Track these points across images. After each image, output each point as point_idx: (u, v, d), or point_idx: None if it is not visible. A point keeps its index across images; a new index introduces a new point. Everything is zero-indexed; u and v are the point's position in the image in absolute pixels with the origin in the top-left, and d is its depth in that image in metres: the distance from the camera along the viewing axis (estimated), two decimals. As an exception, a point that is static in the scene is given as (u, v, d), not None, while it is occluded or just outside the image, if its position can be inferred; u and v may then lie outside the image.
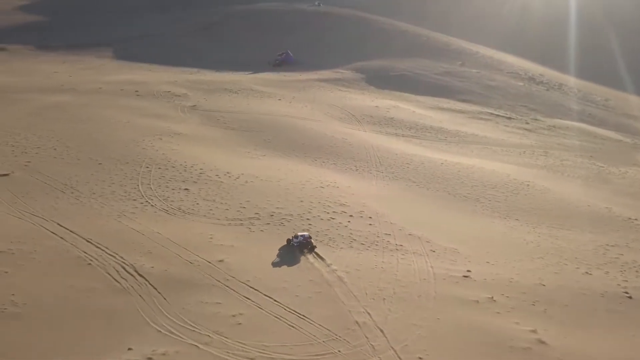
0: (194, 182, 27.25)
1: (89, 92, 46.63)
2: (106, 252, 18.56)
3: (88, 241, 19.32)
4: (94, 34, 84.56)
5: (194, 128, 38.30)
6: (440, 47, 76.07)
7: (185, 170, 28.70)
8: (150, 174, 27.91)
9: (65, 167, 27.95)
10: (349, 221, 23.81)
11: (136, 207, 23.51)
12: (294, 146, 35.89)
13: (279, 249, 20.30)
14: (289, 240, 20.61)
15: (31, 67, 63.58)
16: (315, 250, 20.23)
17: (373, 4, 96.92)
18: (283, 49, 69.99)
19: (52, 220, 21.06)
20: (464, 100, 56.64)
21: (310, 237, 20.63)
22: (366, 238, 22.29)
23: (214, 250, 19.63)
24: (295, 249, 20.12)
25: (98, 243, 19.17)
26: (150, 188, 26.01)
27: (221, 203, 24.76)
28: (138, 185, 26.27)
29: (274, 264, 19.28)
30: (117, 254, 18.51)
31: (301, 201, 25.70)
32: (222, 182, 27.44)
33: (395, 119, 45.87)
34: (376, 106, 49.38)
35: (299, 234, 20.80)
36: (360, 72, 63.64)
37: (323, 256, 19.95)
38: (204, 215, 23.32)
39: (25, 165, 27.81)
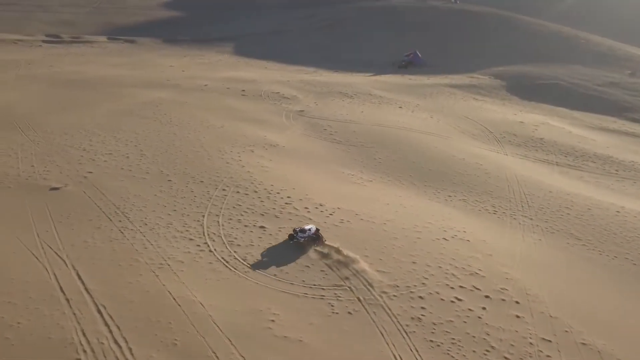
0: (275, 216, 20.79)
1: (192, 89, 42.74)
2: (112, 336, 12.61)
3: (98, 311, 13.58)
4: (222, 29, 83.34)
5: (294, 139, 32.12)
6: (602, 52, 63.16)
7: (268, 198, 22.39)
8: (224, 200, 21.99)
9: (128, 183, 23.02)
10: (483, 307, 15.77)
11: (188, 252, 17.53)
12: (411, 170, 28.18)
13: (279, 244, 17.61)
14: (291, 236, 17.98)
15: (151, 60, 62.32)
16: (325, 241, 17.81)
17: (519, 1, 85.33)
18: (411, 48, 62.21)
19: (72, 267, 15.74)
20: (636, 120, 44.60)
21: (318, 230, 18.44)
22: (511, 345, 14.16)
23: (271, 349, 12.86)
24: (305, 246, 17.73)
25: (109, 316, 13.31)
26: (217, 222, 20.01)
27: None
28: (204, 216, 20.41)
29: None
30: (127, 340, 12.49)
31: (414, 262, 18.09)
32: (310, 219, 20.67)
33: (545, 141, 36.09)
34: (520, 122, 39.79)
35: (305, 227, 18.32)
36: (500, 78, 53.79)
37: (440, 383, 12.31)
38: (274, 275, 16.69)
39: (85, 176, 23.32)
